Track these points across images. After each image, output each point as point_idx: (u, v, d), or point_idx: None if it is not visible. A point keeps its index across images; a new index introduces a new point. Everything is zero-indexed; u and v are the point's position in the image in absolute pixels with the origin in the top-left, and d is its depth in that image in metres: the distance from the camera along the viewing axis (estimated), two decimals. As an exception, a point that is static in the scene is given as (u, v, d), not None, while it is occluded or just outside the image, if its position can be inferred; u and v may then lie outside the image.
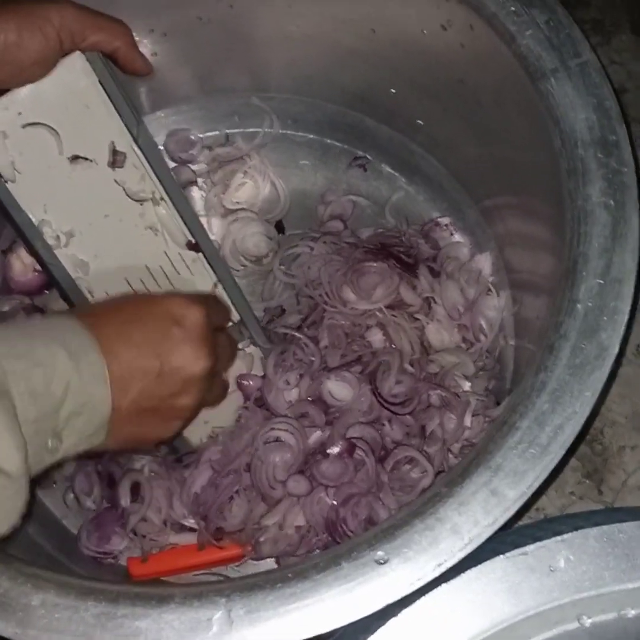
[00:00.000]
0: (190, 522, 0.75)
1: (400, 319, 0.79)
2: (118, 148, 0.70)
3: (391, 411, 0.74)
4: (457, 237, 0.86)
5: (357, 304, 0.79)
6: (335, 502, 0.71)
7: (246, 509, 0.72)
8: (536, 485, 0.54)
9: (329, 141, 0.91)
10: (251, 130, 0.91)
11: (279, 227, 0.89)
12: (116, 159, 0.70)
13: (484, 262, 0.84)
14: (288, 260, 0.85)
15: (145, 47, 0.79)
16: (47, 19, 0.63)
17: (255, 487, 0.72)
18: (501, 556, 0.54)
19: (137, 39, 0.73)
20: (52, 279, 0.72)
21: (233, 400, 0.77)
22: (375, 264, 0.80)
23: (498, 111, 0.75)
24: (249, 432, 0.74)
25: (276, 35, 0.84)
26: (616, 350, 0.56)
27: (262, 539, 0.72)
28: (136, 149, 0.71)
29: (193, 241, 0.74)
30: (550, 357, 0.57)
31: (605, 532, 0.54)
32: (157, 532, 0.75)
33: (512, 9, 0.66)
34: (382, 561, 0.52)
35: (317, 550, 0.72)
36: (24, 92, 0.66)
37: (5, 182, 0.67)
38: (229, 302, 0.75)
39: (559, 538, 0.54)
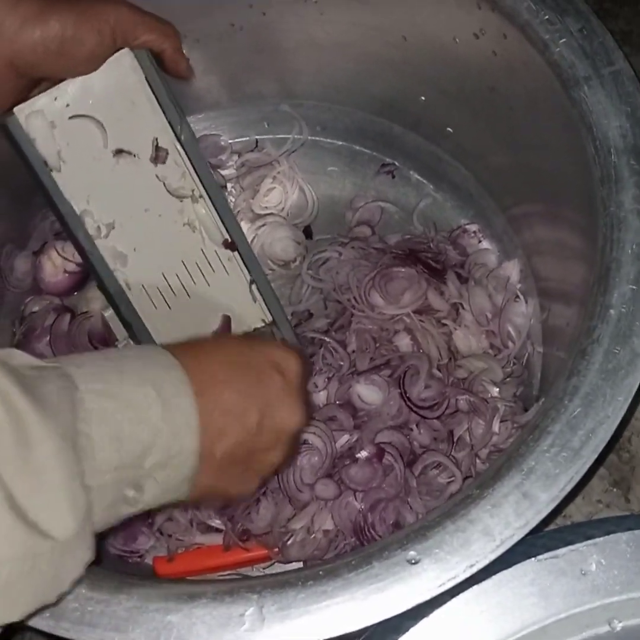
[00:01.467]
0: (217, 522, 0.75)
1: (428, 324, 0.80)
2: (161, 144, 0.71)
3: (420, 415, 0.74)
4: (485, 244, 0.87)
5: (385, 308, 0.79)
6: (363, 507, 0.72)
7: (273, 511, 0.73)
8: (568, 488, 0.54)
9: (357, 148, 0.92)
10: (280, 136, 0.92)
11: (307, 232, 0.89)
12: (159, 155, 0.71)
13: (512, 269, 0.84)
14: (316, 264, 0.86)
15: (179, 52, 0.80)
16: (104, 16, 0.64)
17: (282, 490, 0.72)
18: (532, 559, 0.54)
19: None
20: (91, 269, 0.73)
21: None
22: (403, 269, 0.81)
23: (529, 119, 0.75)
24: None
25: (306, 43, 0.85)
26: (650, 354, 0.56)
27: (289, 542, 0.72)
28: (178, 146, 0.72)
29: (229, 240, 0.75)
30: (583, 361, 0.57)
31: (637, 537, 0.54)
32: (183, 532, 0.75)
33: (546, 17, 0.67)
34: (413, 561, 0.53)
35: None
36: (73, 85, 0.67)
37: (51, 171, 0.68)
38: (262, 302, 0.76)
39: (590, 542, 0.54)
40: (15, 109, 0.66)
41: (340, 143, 0.92)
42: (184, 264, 0.74)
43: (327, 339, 0.78)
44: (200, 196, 0.73)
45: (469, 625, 0.53)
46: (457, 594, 0.53)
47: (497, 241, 0.87)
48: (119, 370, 0.46)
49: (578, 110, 0.65)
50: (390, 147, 0.91)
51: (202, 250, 0.74)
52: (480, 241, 0.87)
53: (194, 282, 0.74)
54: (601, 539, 0.54)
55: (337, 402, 0.76)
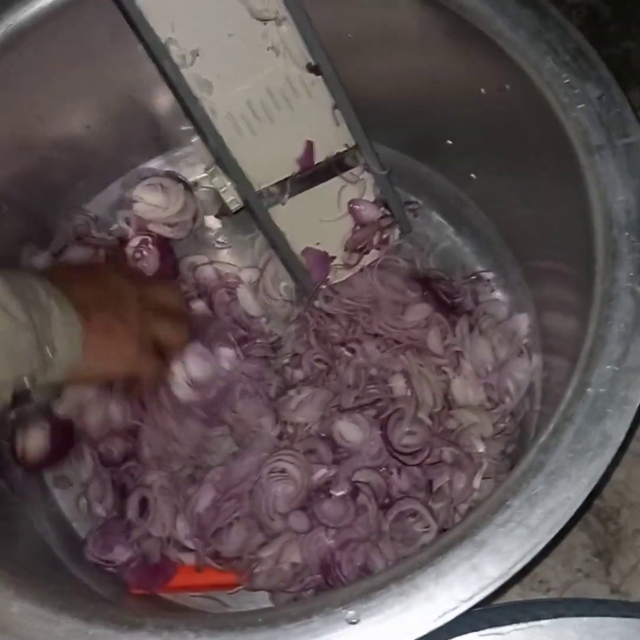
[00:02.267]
0: (190, 543, 0.76)
1: (427, 369, 0.79)
2: None
3: (400, 460, 0.74)
4: (498, 294, 0.86)
5: (391, 322, 0.81)
6: (333, 544, 0.72)
7: (244, 537, 0.73)
8: (519, 566, 0.53)
9: (382, 183, 0.92)
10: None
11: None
12: None
13: (521, 323, 0.83)
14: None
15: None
16: None
17: (254, 516, 0.73)
18: (475, 634, 0.53)
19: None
20: (177, 98, 0.74)
21: (343, 225, 0.81)
22: (414, 295, 0.82)
23: (547, 176, 0.74)
24: (255, 457, 0.75)
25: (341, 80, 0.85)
26: (621, 439, 0.55)
27: (257, 571, 0.73)
28: None
29: (313, 63, 0.75)
30: (553, 438, 0.56)
31: (586, 624, 0.53)
32: (159, 548, 0.76)
33: (567, 80, 0.66)
34: (353, 621, 0.53)
35: (311, 590, 0.73)
36: None
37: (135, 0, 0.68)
38: (345, 126, 0.78)
39: (536, 623, 0.53)
40: None
41: (366, 176, 0.92)
42: (268, 89, 0.74)
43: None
44: (284, 18, 0.73)
45: (401, 692, 0.52)
46: (394, 658, 0.53)
47: (511, 292, 0.86)
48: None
49: (588, 177, 0.64)
50: (415, 185, 0.91)
51: (286, 75, 0.75)
52: (493, 290, 0.86)
53: (278, 108, 0.75)
54: (548, 621, 0.53)
55: (321, 435, 0.76)
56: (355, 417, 0.75)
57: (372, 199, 0.82)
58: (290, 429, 0.77)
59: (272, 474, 0.73)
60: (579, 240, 0.67)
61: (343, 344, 0.81)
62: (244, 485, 0.74)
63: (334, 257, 0.83)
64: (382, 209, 0.84)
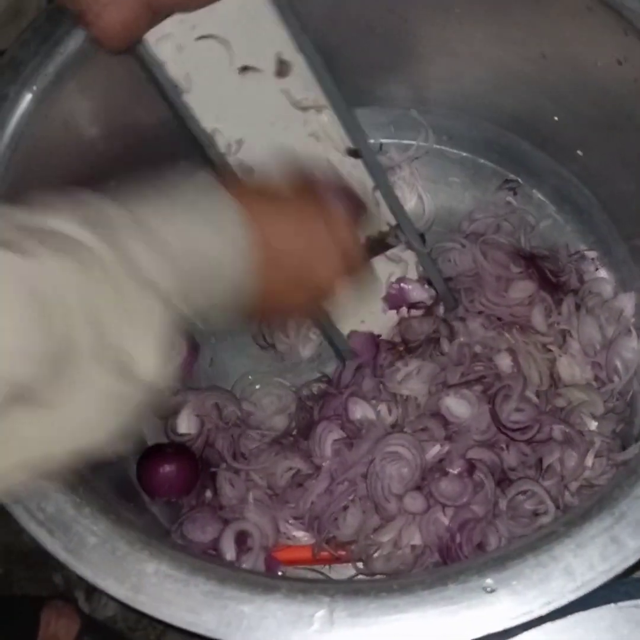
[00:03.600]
0: (300, 533, 0.76)
1: (532, 347, 0.78)
2: (284, 57, 0.72)
3: (508, 436, 0.73)
4: (603, 272, 0.84)
5: (494, 298, 0.79)
6: (451, 524, 0.71)
7: (360, 519, 0.73)
8: (660, 539, 0.52)
9: (482, 161, 0.91)
10: (405, 142, 0.92)
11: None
12: (282, 69, 0.72)
13: (627, 302, 0.82)
14: (436, 253, 0.86)
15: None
16: None
17: (370, 498, 0.73)
18: (612, 605, 0.53)
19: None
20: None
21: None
22: (518, 270, 0.81)
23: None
24: (368, 442, 0.75)
25: (442, 52, 0.85)
26: None
27: (375, 555, 0.72)
28: (300, 58, 0.73)
29: (353, 148, 0.75)
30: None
31: None
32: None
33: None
34: (489, 589, 0.52)
35: (428, 571, 0.72)
36: None
37: (182, 93, 0.70)
38: (385, 206, 0.77)
39: (676, 596, 0.52)
40: (145, 35, 0.67)
41: (465, 154, 0.91)
42: None
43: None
44: (324, 106, 0.74)
45: (538, 662, 0.52)
46: (530, 628, 0.52)
47: (616, 271, 0.85)
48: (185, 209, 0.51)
49: None
50: (515, 163, 0.90)
51: (327, 159, 0.75)
52: (597, 269, 0.85)
53: None
54: (688, 595, 0.52)
55: (428, 413, 0.75)
56: (462, 393, 0.75)
57: (415, 277, 0.81)
58: (399, 408, 0.76)
59: (385, 457, 0.73)
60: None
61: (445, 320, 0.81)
62: (357, 468, 0.74)
63: (379, 335, 0.82)
64: (426, 287, 0.83)
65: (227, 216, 0.53)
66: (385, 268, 0.81)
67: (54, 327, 0.41)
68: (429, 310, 0.82)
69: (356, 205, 0.66)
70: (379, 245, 0.80)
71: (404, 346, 0.81)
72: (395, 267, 0.80)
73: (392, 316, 0.82)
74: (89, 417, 0.44)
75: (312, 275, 0.59)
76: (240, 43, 0.71)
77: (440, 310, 0.82)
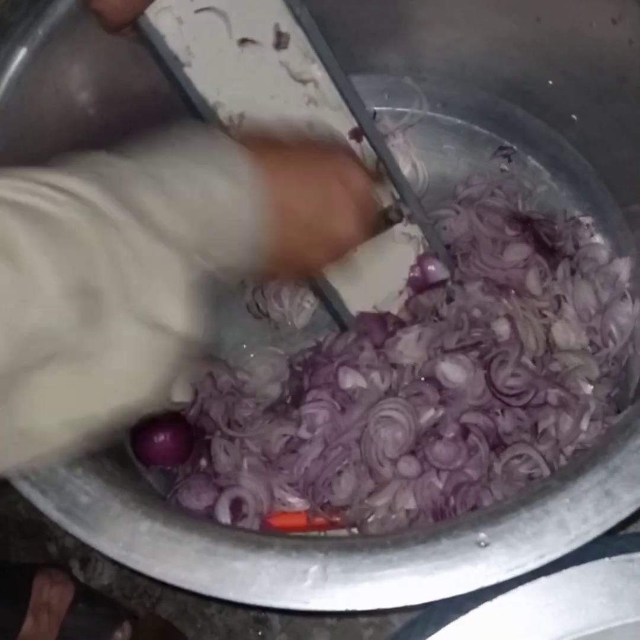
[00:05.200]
0: (294, 499, 0.75)
1: (529, 313, 0.78)
2: (282, 29, 0.72)
3: (503, 402, 0.73)
4: (598, 238, 0.84)
5: (489, 260, 0.79)
6: (445, 488, 0.71)
7: (354, 484, 0.73)
8: (654, 492, 0.52)
9: (476, 128, 0.91)
10: (399, 109, 0.91)
11: (414, 208, 0.89)
12: (280, 41, 0.72)
13: (623, 267, 0.81)
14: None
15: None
16: None
17: (364, 462, 0.72)
18: (606, 559, 0.52)
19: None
20: None
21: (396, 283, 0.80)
22: (514, 233, 0.81)
23: (659, 113, 0.72)
24: (361, 407, 0.75)
25: (437, 17, 0.84)
26: None
27: (370, 520, 0.72)
28: (299, 29, 0.72)
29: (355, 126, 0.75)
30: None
31: None
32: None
33: (691, 6, 0.64)
34: (483, 543, 0.52)
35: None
36: None
37: (183, 66, 0.70)
38: (389, 181, 0.77)
39: (669, 550, 0.52)
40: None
41: (460, 122, 0.91)
42: None
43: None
44: (323, 79, 0.74)
45: (532, 616, 0.52)
46: (524, 582, 0.52)
47: (611, 237, 0.84)
48: (192, 159, 0.50)
49: None
50: (510, 130, 0.90)
51: (328, 132, 0.73)
52: (592, 235, 0.85)
53: None
54: (682, 549, 0.52)
55: (422, 378, 0.75)
56: (458, 358, 0.74)
57: (421, 251, 0.81)
58: (393, 375, 0.76)
59: (379, 422, 0.73)
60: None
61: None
62: (351, 433, 0.74)
63: (387, 313, 0.82)
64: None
65: (240, 166, 0.52)
66: (401, 252, 0.81)
67: (80, 269, 0.41)
68: (438, 283, 0.82)
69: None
70: (383, 220, 0.79)
71: (411, 319, 0.81)
72: (409, 248, 0.80)
73: (403, 296, 0.82)
74: (129, 371, 0.44)
75: (329, 227, 0.58)
76: (238, 15, 0.71)
77: (448, 281, 0.82)
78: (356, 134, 0.76)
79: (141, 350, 0.44)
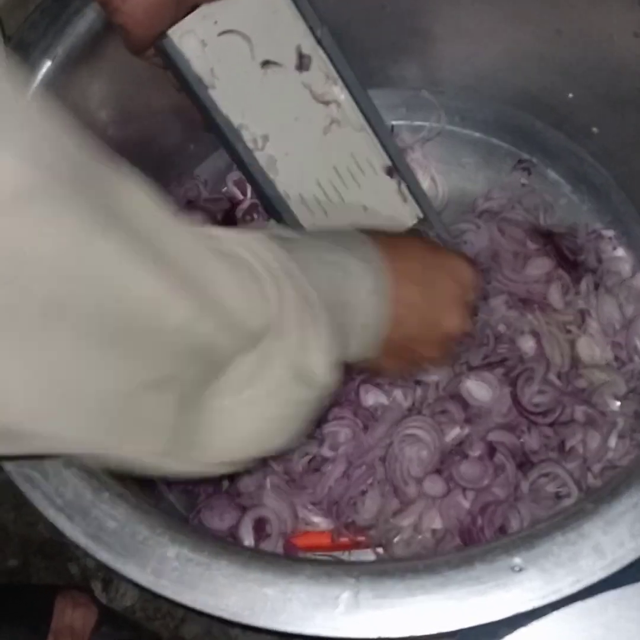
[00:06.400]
0: (318, 519, 0.75)
1: (555, 328, 0.77)
2: (304, 51, 0.72)
3: (530, 420, 0.73)
4: (620, 252, 0.83)
5: (511, 274, 0.79)
6: (472, 508, 0.70)
7: (379, 503, 0.72)
8: (690, 514, 0.51)
9: (495, 141, 0.90)
10: (417, 123, 0.91)
11: (433, 222, 0.88)
12: (302, 62, 0.72)
13: (647, 281, 0.81)
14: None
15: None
16: None
17: (389, 481, 0.72)
18: (643, 583, 0.51)
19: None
20: (251, 180, 0.75)
21: None
22: (535, 247, 0.80)
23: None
24: (384, 425, 0.74)
25: (455, 31, 0.83)
26: None
27: (395, 540, 0.71)
28: (320, 51, 0.73)
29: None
30: None
31: None
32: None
33: None
34: (517, 568, 0.51)
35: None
36: (217, 2, 0.68)
37: (207, 88, 0.70)
38: (412, 201, 0.77)
39: None
40: (169, 32, 0.67)
41: (478, 135, 0.90)
42: (335, 168, 0.75)
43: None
44: (346, 100, 0.74)
45: (568, 641, 0.51)
46: (559, 608, 0.51)
47: (634, 250, 0.84)
48: (345, 247, 0.55)
49: None
50: (529, 143, 0.89)
51: (351, 152, 0.76)
52: (615, 248, 0.84)
53: (346, 186, 0.76)
54: None
55: (449, 395, 0.74)
56: (483, 376, 0.74)
57: None
58: (417, 392, 0.75)
59: (404, 440, 0.72)
60: None
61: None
62: (375, 451, 0.73)
63: None
64: None
65: (371, 252, 0.56)
66: None
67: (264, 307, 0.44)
68: None
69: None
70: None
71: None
72: None
73: None
74: (280, 415, 0.48)
75: (442, 322, 0.60)
76: (261, 37, 0.71)
77: None
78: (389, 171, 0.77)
79: (290, 398, 0.48)
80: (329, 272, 0.52)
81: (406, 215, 0.78)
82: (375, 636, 0.51)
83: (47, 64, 0.69)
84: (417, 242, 0.64)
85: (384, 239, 0.59)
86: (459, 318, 0.61)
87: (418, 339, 0.59)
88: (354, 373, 0.77)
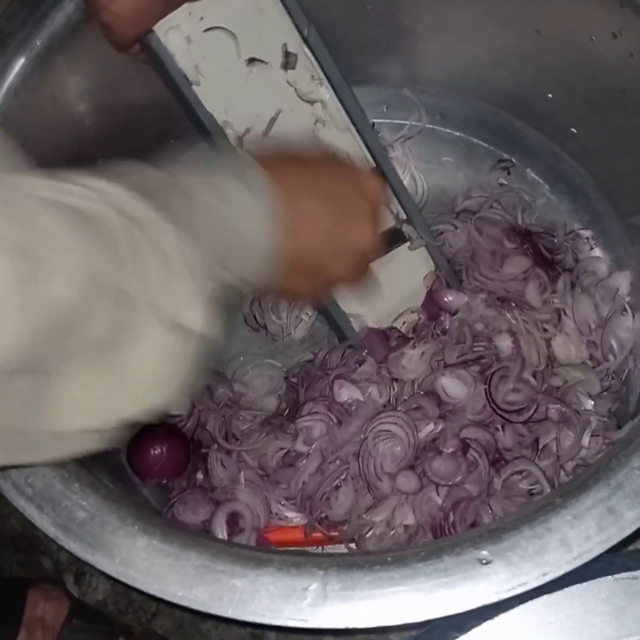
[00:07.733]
0: (291, 514, 0.75)
1: (532, 326, 0.78)
2: (290, 49, 0.72)
3: (504, 418, 0.73)
4: (597, 251, 0.84)
5: (489, 273, 0.79)
6: (445, 504, 0.70)
7: (352, 499, 0.72)
8: (657, 509, 0.51)
9: (475, 140, 0.90)
10: (398, 121, 0.91)
11: (413, 221, 0.88)
12: (288, 61, 0.72)
13: (623, 281, 0.81)
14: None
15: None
16: None
17: (362, 477, 0.72)
18: (609, 577, 0.52)
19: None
20: None
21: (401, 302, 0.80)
22: (513, 246, 0.80)
23: (659, 125, 0.72)
24: (358, 420, 0.74)
25: (437, 29, 0.84)
26: None
27: (368, 535, 0.71)
28: (306, 50, 0.72)
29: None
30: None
31: None
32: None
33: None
34: (485, 561, 0.51)
35: (423, 553, 0.71)
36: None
37: (191, 84, 0.69)
38: (395, 201, 0.77)
39: (673, 568, 0.52)
40: (154, 27, 0.67)
41: (458, 134, 0.91)
42: None
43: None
44: (331, 100, 0.74)
45: (534, 635, 0.51)
46: (526, 600, 0.52)
47: (610, 250, 0.84)
48: (217, 171, 0.52)
49: None
50: (509, 142, 0.89)
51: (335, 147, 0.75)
52: (592, 248, 0.84)
53: None
54: (685, 567, 0.52)
55: (422, 392, 0.74)
56: (458, 373, 0.74)
57: (429, 270, 0.81)
58: (393, 389, 0.76)
59: (378, 436, 0.72)
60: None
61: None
62: (348, 446, 0.73)
63: (391, 328, 0.81)
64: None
65: (256, 176, 0.53)
66: (405, 269, 0.80)
67: (107, 262, 0.41)
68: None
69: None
70: (391, 240, 0.79)
71: (414, 334, 0.80)
72: (423, 266, 0.80)
73: (413, 316, 0.82)
74: (154, 370, 0.44)
75: (348, 234, 0.58)
76: (247, 35, 0.71)
77: None
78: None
79: (164, 349, 0.44)
80: (212, 198, 0.49)
81: (389, 215, 0.78)
82: (342, 627, 0.51)
83: (26, 55, 0.68)
84: (319, 158, 0.61)
85: (279, 158, 0.57)
86: (367, 230, 0.58)
87: (324, 253, 0.57)
88: (327, 369, 0.77)
